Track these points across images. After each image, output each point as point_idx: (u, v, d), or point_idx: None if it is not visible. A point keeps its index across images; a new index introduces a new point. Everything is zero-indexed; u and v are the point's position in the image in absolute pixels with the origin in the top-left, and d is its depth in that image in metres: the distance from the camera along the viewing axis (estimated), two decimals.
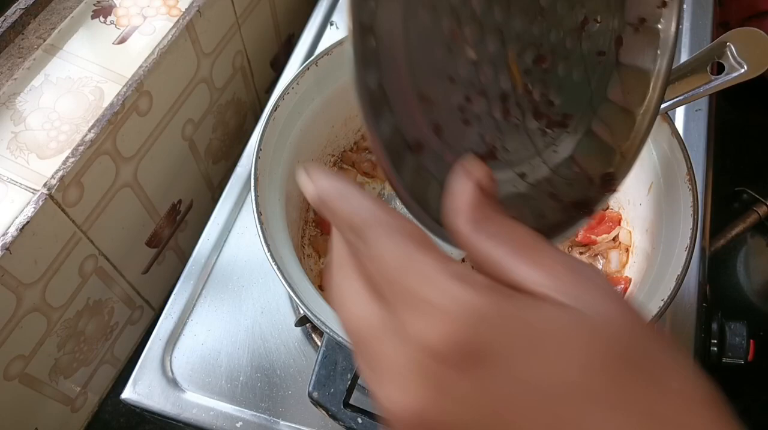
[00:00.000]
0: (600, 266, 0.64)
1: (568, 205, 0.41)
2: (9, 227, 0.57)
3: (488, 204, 0.28)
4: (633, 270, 0.61)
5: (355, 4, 0.28)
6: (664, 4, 0.41)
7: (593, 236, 0.64)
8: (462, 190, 0.28)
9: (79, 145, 0.62)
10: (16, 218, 0.57)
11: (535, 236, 0.27)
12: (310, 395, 0.50)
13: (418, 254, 0.25)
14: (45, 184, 0.59)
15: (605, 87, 0.43)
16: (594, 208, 0.42)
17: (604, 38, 0.42)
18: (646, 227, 0.60)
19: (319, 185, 0.28)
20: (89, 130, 0.63)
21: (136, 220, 0.74)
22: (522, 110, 0.39)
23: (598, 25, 0.41)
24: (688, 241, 0.51)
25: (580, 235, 0.65)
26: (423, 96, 0.33)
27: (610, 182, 0.43)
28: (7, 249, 0.56)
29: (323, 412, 0.51)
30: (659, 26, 0.42)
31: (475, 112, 0.36)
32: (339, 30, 0.87)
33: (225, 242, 0.71)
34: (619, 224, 0.65)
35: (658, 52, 0.42)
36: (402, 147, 0.32)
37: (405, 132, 0.32)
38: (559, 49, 0.39)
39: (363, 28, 0.29)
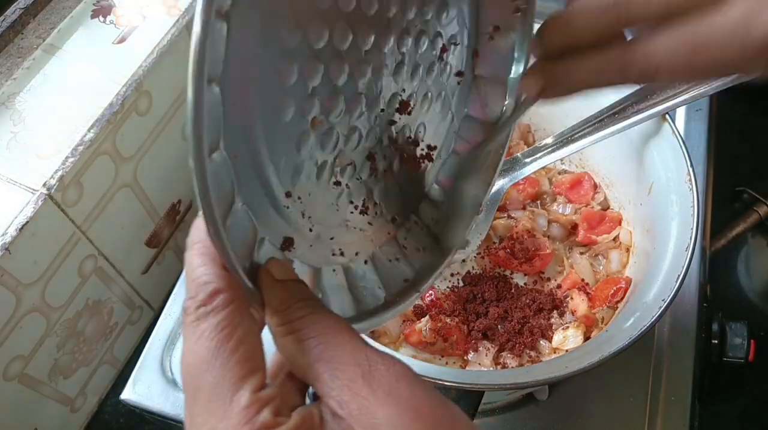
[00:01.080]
0: (601, 266, 0.64)
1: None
2: (8, 227, 0.57)
3: (298, 305, 0.28)
4: (633, 270, 0.61)
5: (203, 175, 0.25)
6: (518, 11, 0.40)
7: (594, 236, 0.64)
8: (267, 297, 0.28)
9: (78, 145, 0.62)
10: (16, 218, 0.57)
11: (331, 337, 0.27)
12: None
13: (226, 363, 0.26)
14: (44, 184, 0.59)
15: (465, 106, 0.43)
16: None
17: (461, 56, 0.41)
18: (646, 227, 0.60)
19: (193, 235, 0.29)
20: (88, 130, 0.63)
21: (136, 220, 0.74)
22: (389, 160, 0.39)
23: (456, 47, 0.40)
24: (689, 241, 0.51)
25: (581, 235, 0.65)
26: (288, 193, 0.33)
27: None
28: (7, 249, 0.56)
29: None
30: (512, 33, 0.41)
31: (344, 183, 0.37)
32: None
33: None
34: (620, 224, 0.65)
35: (515, 55, 0.42)
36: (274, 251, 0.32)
37: (277, 238, 0.32)
38: (421, 88, 0.39)
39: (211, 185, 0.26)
